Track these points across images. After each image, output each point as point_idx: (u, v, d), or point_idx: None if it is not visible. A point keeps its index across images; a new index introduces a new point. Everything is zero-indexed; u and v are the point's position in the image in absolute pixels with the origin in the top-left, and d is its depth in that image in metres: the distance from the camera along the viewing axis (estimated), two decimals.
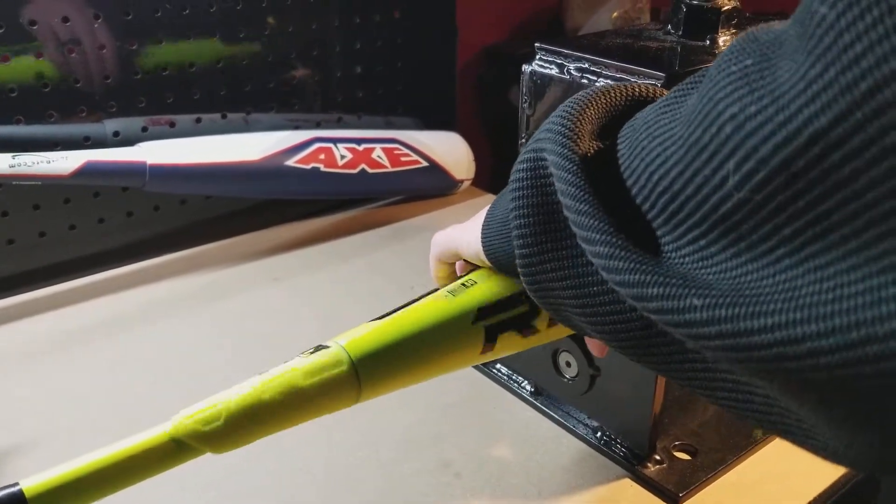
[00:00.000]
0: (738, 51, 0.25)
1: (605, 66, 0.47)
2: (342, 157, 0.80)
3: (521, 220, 0.32)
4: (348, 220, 0.88)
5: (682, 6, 0.51)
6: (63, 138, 0.72)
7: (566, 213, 0.30)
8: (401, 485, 0.50)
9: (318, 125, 0.88)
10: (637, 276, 0.26)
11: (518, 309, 0.41)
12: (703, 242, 0.25)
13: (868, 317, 0.20)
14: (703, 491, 0.50)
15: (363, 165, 0.81)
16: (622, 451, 0.52)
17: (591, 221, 0.28)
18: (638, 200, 0.28)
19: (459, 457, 0.53)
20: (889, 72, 0.19)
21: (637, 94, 0.34)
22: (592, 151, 0.31)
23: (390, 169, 0.83)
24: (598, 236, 0.28)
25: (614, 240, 0.27)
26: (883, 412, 0.21)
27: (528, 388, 0.58)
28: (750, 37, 0.25)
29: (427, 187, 0.90)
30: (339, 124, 0.90)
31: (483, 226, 0.39)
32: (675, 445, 0.53)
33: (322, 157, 0.79)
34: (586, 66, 0.48)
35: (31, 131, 0.71)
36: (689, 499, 0.49)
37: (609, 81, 0.47)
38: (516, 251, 0.33)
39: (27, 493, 0.31)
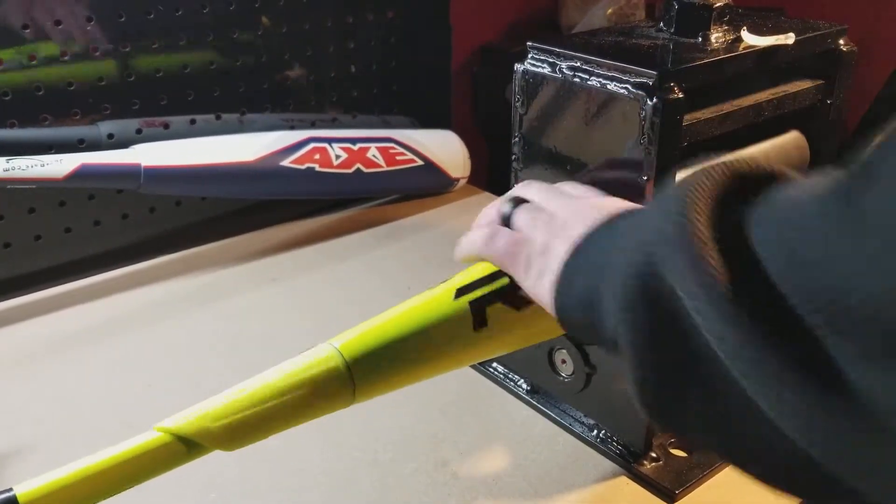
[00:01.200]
0: None
1: (597, 65, 0.47)
2: (337, 156, 0.80)
3: (641, 349, 0.29)
4: (344, 220, 0.88)
5: (674, 3, 0.51)
6: (57, 141, 0.72)
7: (723, 357, 0.26)
8: (398, 485, 0.51)
9: (312, 125, 0.87)
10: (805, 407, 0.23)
11: (499, 282, 0.42)
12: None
13: None
14: (699, 488, 0.50)
15: (358, 165, 0.81)
16: (619, 449, 0.52)
17: (769, 368, 0.24)
18: (805, 316, 0.24)
19: (456, 456, 0.53)
20: None
21: (740, 170, 0.29)
22: (721, 257, 0.26)
23: (386, 168, 0.83)
24: (790, 395, 0.24)
25: (812, 399, 0.24)
26: None
27: (525, 386, 0.58)
28: None
29: (423, 186, 0.90)
30: (334, 124, 0.90)
31: (559, 281, 0.36)
32: (672, 443, 0.53)
33: (317, 156, 0.79)
34: (578, 64, 0.48)
35: (25, 135, 0.70)
36: (686, 496, 0.50)
37: (601, 80, 0.47)
38: (633, 383, 0.30)
39: (21, 499, 0.31)
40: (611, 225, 0.36)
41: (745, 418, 0.26)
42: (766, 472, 0.27)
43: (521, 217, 0.42)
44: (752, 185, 0.28)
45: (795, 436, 0.24)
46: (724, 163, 0.30)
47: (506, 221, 0.43)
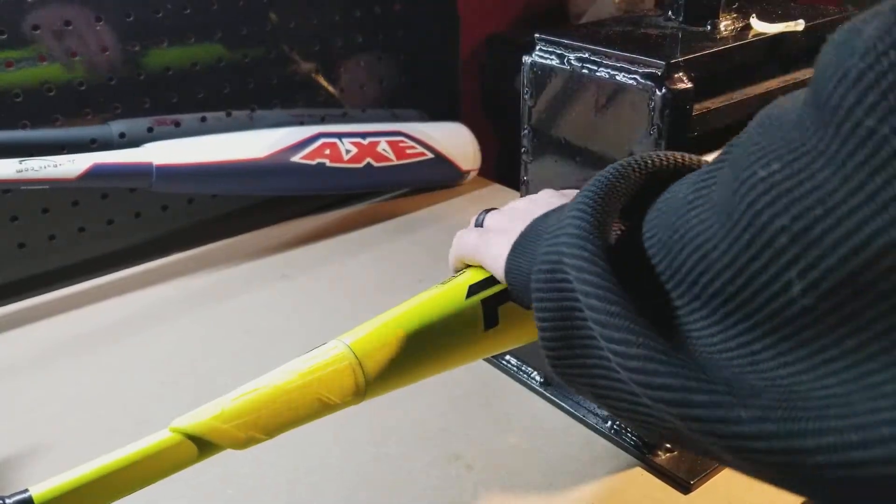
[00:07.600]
0: (760, 150, 0.24)
1: (606, 56, 0.47)
2: (347, 151, 0.80)
3: (544, 324, 0.33)
4: (355, 215, 0.88)
5: None
6: (69, 141, 0.72)
7: (592, 324, 0.30)
8: (412, 478, 0.51)
9: (322, 120, 0.88)
10: (679, 381, 0.26)
11: None
12: (757, 346, 0.24)
13: None
14: (714, 478, 0.50)
15: (369, 159, 0.81)
16: (633, 440, 0.52)
17: (621, 322, 0.28)
18: (675, 296, 0.28)
19: (470, 449, 0.53)
20: None
21: (653, 165, 0.34)
22: (616, 242, 0.31)
23: (396, 162, 0.83)
24: (632, 337, 0.27)
25: (653, 343, 0.27)
26: None
27: (538, 378, 0.58)
28: (768, 127, 0.25)
29: (433, 179, 0.90)
30: (344, 119, 0.90)
31: (509, 256, 0.39)
32: None
33: (327, 152, 0.79)
34: (586, 55, 0.48)
35: (38, 135, 0.71)
36: (701, 486, 0.49)
37: (610, 71, 0.46)
38: (542, 351, 0.34)
39: (36, 500, 0.31)
40: (547, 215, 0.39)
41: (608, 374, 0.31)
42: (622, 415, 0.32)
43: (489, 218, 0.45)
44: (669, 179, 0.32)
45: (659, 403, 0.27)
46: (637, 160, 0.34)
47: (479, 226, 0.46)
